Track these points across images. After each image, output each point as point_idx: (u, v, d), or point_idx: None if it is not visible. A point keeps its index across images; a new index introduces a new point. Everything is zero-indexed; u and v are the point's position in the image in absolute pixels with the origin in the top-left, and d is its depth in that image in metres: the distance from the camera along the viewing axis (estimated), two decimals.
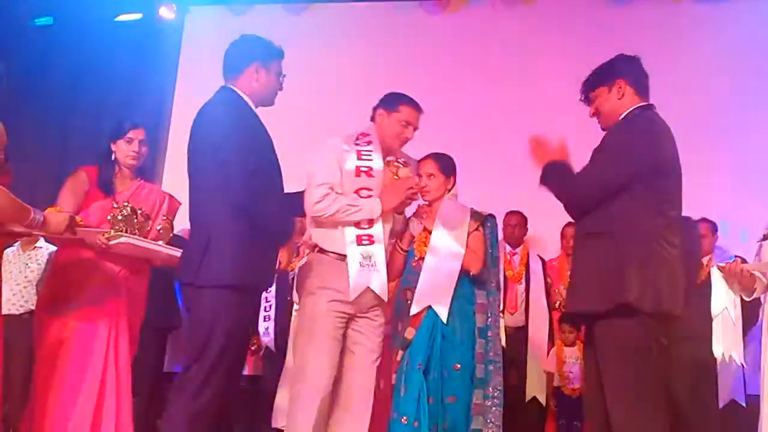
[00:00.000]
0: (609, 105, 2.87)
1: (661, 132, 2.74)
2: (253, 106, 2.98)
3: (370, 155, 3.33)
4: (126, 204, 3.35)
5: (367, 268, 3.22)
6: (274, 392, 4.92)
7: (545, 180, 2.94)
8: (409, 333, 3.52)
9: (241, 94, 2.97)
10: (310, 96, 6.50)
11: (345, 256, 3.20)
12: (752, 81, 5.76)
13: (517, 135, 5.90)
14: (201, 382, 2.74)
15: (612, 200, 2.68)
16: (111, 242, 3.14)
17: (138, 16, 7.10)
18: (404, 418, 3.37)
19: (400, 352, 3.53)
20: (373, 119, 3.50)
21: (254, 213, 2.81)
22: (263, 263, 2.96)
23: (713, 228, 5.15)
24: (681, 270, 2.74)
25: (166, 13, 6.91)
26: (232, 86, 2.98)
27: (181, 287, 2.98)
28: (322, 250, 3.26)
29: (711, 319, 4.80)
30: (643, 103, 2.85)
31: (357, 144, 3.35)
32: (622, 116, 2.82)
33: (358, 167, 3.28)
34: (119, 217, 3.31)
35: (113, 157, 3.49)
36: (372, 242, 3.24)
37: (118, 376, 3.22)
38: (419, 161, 3.70)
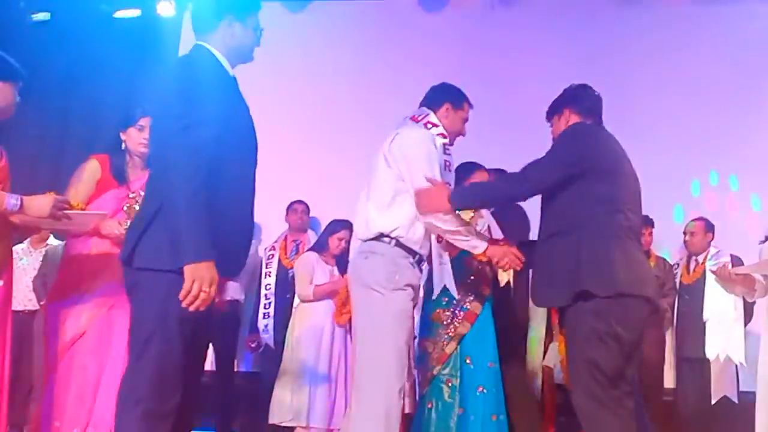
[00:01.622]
0: (558, 129, 3.18)
1: (588, 140, 2.99)
2: (229, 68, 2.61)
3: (449, 149, 3.35)
4: (142, 192, 3.19)
5: (445, 266, 3.40)
6: (272, 388, 4.94)
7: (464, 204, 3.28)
8: (465, 327, 3.91)
9: (216, 53, 2.58)
10: (309, 93, 6.53)
11: (416, 253, 3.16)
12: (753, 82, 5.82)
13: (515, 133, 5.99)
14: (152, 378, 2.38)
15: (564, 203, 2.90)
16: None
17: (136, 12, 7.08)
18: (461, 409, 3.82)
19: (452, 344, 3.88)
20: (435, 111, 3.36)
21: (214, 190, 2.37)
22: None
23: (707, 226, 5.20)
24: (641, 258, 2.96)
25: (164, 9, 6.89)
26: (204, 44, 2.60)
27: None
28: (400, 244, 3.12)
29: (701, 317, 4.89)
30: (578, 121, 3.12)
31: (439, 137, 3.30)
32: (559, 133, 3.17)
33: (446, 161, 3.29)
34: (136, 207, 3.22)
35: (123, 146, 3.44)
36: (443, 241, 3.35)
37: None
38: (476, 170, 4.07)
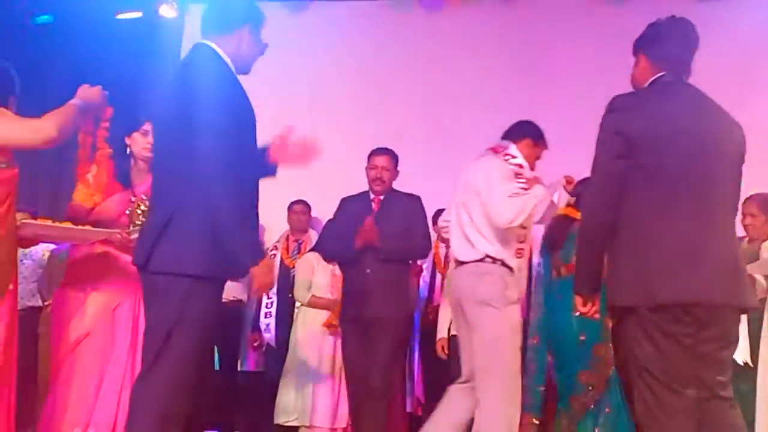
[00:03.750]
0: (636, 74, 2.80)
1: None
2: (234, 72, 2.66)
3: (521, 179, 3.60)
4: (144, 197, 3.29)
5: (521, 280, 3.73)
6: (276, 388, 4.95)
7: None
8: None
9: (224, 56, 2.63)
10: (309, 93, 6.54)
11: (512, 269, 3.53)
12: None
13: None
14: (172, 381, 2.43)
15: None
16: (132, 236, 3.10)
17: (138, 14, 7.08)
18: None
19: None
20: (516, 143, 3.67)
21: (227, 189, 2.42)
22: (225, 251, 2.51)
23: None
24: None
25: (166, 11, 6.89)
26: (212, 45, 2.64)
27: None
28: (504, 264, 3.49)
29: None
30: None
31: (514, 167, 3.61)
32: None
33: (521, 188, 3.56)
34: (138, 211, 3.27)
35: (128, 150, 3.46)
36: (521, 256, 3.63)
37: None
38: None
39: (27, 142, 2.70)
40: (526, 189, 3.50)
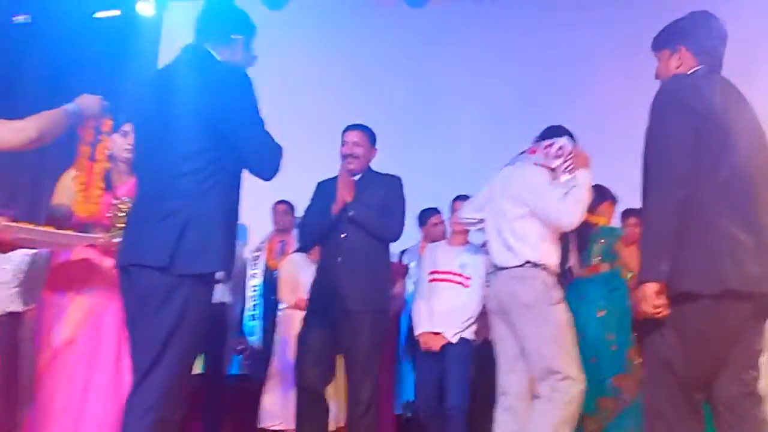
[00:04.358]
0: (665, 69, 2.78)
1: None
2: None
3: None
4: (126, 199, 3.24)
5: None
6: (260, 392, 4.88)
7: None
8: None
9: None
10: (292, 92, 6.47)
11: (557, 273, 3.65)
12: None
13: (511, 125, 5.96)
14: (168, 386, 2.42)
15: None
16: (114, 239, 3.04)
17: (116, 12, 7.04)
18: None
19: None
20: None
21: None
22: (233, 246, 2.64)
23: None
24: None
25: (144, 9, 6.85)
26: (208, 49, 2.70)
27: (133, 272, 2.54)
28: (545, 268, 3.59)
29: None
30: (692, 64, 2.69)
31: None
32: None
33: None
34: (120, 214, 3.20)
35: (108, 152, 3.35)
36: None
37: (128, 375, 3.16)
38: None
39: (8, 143, 2.70)
40: (571, 171, 3.60)
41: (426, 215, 5.25)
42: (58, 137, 2.87)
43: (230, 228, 2.57)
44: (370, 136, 4.12)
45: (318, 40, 6.61)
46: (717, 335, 2.41)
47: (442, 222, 5.22)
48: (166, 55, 6.90)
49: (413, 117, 6.44)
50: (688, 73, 2.62)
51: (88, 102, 3.00)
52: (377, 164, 4.16)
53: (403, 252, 5.44)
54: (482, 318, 4.26)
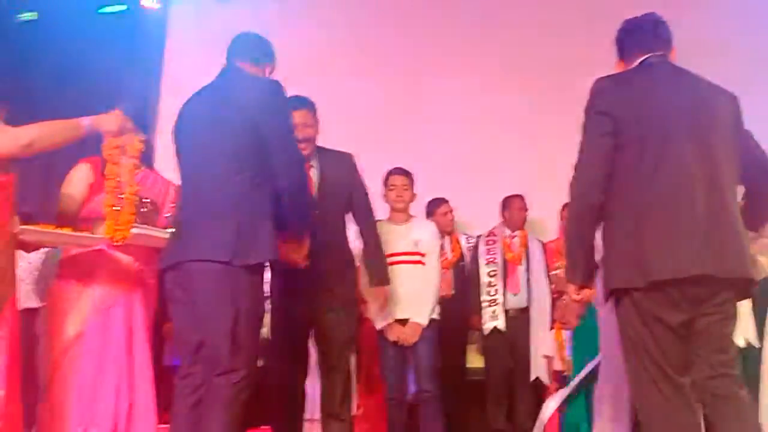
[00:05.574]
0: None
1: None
2: None
3: None
4: (142, 198, 3.28)
5: None
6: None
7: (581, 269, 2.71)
8: None
9: None
10: (298, 82, 6.44)
11: None
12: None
13: (513, 118, 5.95)
14: (245, 376, 2.68)
15: None
16: (133, 233, 3.06)
17: (122, 7, 7.05)
18: None
19: None
20: None
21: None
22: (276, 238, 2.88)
23: None
24: None
25: (150, 3, 6.85)
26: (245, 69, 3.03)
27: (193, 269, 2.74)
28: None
29: None
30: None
31: None
32: None
33: None
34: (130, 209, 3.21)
35: None
36: None
37: (139, 368, 3.19)
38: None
39: (8, 149, 2.75)
40: None
41: (434, 205, 5.26)
42: (63, 147, 2.92)
43: (272, 223, 2.80)
44: (313, 112, 3.66)
45: (322, 30, 6.59)
46: (656, 326, 2.43)
47: (451, 211, 5.22)
48: (171, 49, 6.92)
49: (423, 104, 6.41)
50: (599, 77, 2.66)
51: (106, 119, 3.03)
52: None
53: None
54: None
